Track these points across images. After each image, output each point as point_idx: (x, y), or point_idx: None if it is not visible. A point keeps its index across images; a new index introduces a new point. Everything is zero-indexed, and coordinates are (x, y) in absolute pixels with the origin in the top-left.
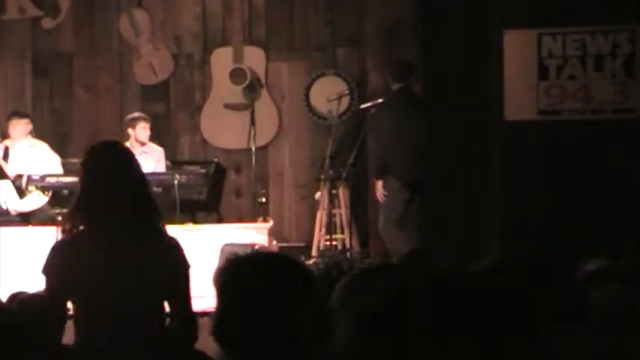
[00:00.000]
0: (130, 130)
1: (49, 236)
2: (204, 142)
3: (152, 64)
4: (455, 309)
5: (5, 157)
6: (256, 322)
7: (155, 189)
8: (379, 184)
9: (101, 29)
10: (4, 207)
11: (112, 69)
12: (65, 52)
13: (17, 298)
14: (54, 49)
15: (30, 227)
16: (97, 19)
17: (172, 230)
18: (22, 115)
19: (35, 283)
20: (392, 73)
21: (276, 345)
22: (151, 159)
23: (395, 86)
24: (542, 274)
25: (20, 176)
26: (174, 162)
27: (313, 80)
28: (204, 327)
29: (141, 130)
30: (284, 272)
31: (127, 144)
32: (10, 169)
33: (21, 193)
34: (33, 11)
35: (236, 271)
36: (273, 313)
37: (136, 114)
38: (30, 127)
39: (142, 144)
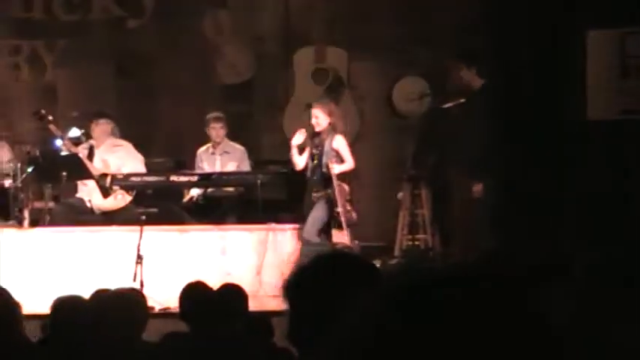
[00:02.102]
0: (206, 131)
1: (131, 236)
2: (287, 141)
3: (235, 64)
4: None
5: (90, 156)
6: (328, 323)
7: (237, 189)
8: (480, 186)
9: (184, 29)
10: (89, 206)
11: (195, 69)
12: (148, 53)
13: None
14: (137, 50)
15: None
16: (180, 19)
17: (254, 230)
18: (101, 115)
19: (121, 281)
20: (476, 69)
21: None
22: (233, 159)
23: (477, 83)
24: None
25: (105, 175)
26: (257, 162)
27: (395, 80)
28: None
29: (212, 131)
30: (352, 272)
31: (210, 144)
32: (95, 169)
33: (105, 192)
34: (117, 12)
35: (306, 273)
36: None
37: (211, 114)
38: (110, 127)
39: (218, 143)
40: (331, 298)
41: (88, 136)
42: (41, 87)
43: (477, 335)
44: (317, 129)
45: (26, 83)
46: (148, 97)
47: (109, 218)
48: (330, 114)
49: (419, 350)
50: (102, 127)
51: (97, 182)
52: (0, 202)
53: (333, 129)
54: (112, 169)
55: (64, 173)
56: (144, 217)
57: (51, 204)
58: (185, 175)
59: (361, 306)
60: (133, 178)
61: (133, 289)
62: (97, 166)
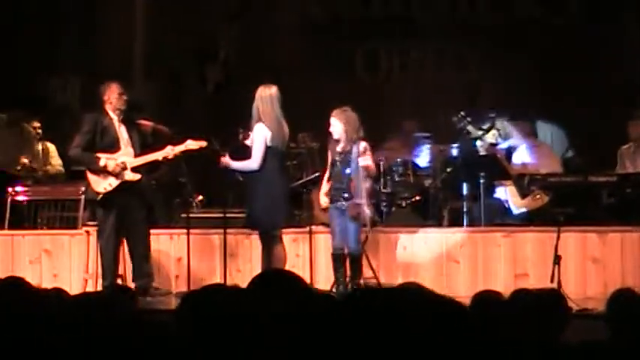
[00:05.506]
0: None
1: (549, 236)
2: None
3: None
4: None
5: (508, 157)
6: None
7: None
8: None
9: (608, 29)
10: (506, 206)
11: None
12: (574, 52)
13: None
14: (562, 49)
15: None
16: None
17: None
18: (518, 115)
19: (540, 281)
20: None
21: None
22: None
23: None
24: None
25: (522, 176)
26: None
27: None
28: None
29: (632, 129)
30: None
31: (632, 143)
32: (513, 169)
33: (523, 192)
34: (541, 11)
35: None
36: None
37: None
38: (527, 127)
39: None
40: None
41: (505, 136)
42: (462, 87)
43: None
44: (335, 136)
45: (446, 84)
46: (569, 96)
47: (526, 218)
48: (346, 122)
49: None
50: (519, 126)
51: (515, 183)
52: (420, 202)
53: (349, 137)
54: (530, 169)
55: (483, 173)
56: (561, 218)
57: (469, 204)
58: (604, 175)
59: None
60: (551, 179)
61: (553, 290)
62: (514, 166)
